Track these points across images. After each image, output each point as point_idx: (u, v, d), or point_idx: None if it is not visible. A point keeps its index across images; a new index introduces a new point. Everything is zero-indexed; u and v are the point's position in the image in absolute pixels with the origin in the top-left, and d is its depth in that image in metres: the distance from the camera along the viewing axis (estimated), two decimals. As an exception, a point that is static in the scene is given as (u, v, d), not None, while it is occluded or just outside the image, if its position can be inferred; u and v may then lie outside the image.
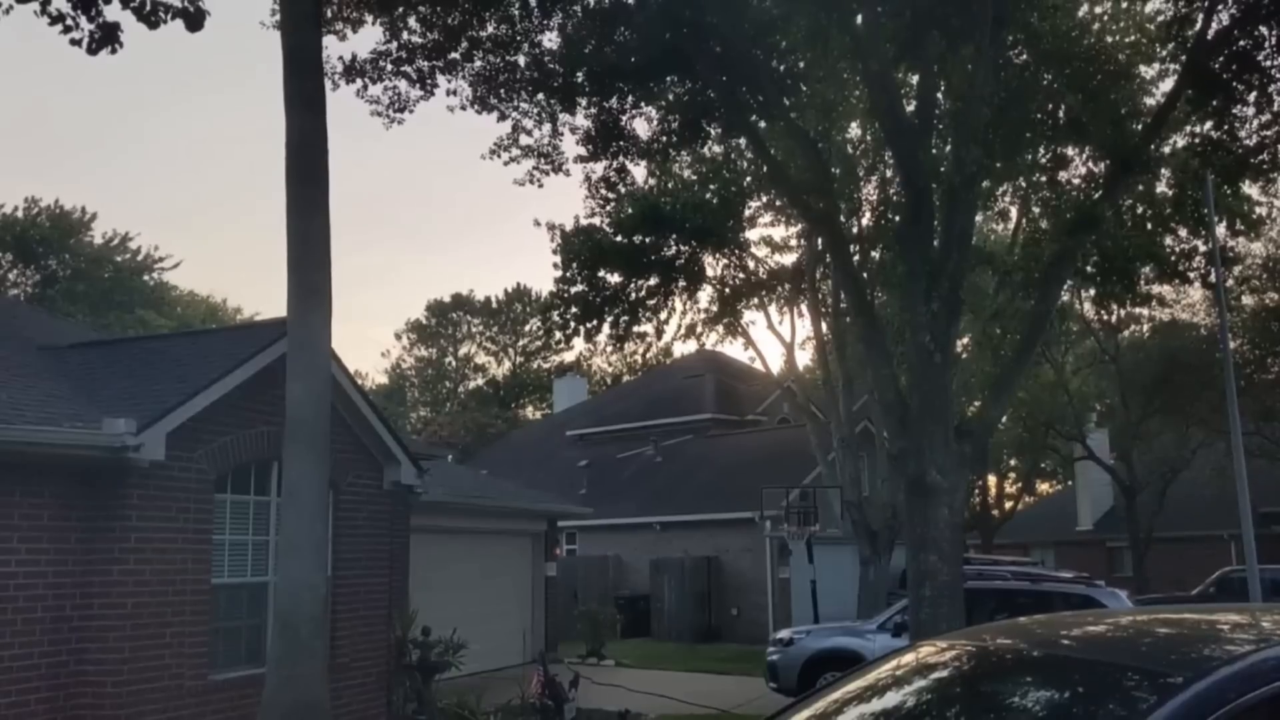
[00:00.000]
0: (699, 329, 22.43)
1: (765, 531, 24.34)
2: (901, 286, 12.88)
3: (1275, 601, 17.34)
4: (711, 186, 19.83)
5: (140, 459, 9.18)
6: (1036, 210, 17.48)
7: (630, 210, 18.90)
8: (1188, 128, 13.49)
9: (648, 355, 23.14)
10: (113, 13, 8.43)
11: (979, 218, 17.66)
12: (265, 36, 15.92)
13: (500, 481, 22.18)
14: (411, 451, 13.24)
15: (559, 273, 20.52)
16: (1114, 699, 2.40)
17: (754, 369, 31.60)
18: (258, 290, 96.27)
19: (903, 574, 13.82)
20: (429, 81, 12.40)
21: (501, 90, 12.73)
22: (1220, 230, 15.39)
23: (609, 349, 21.86)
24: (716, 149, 19.20)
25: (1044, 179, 15.59)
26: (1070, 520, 39.26)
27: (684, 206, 18.80)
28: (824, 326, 22.92)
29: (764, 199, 21.12)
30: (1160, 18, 13.36)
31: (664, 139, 13.50)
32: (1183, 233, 14.96)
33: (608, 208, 18.23)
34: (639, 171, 18.26)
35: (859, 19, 11.51)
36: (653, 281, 20.51)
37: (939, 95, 12.69)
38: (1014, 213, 19.76)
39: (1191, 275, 15.58)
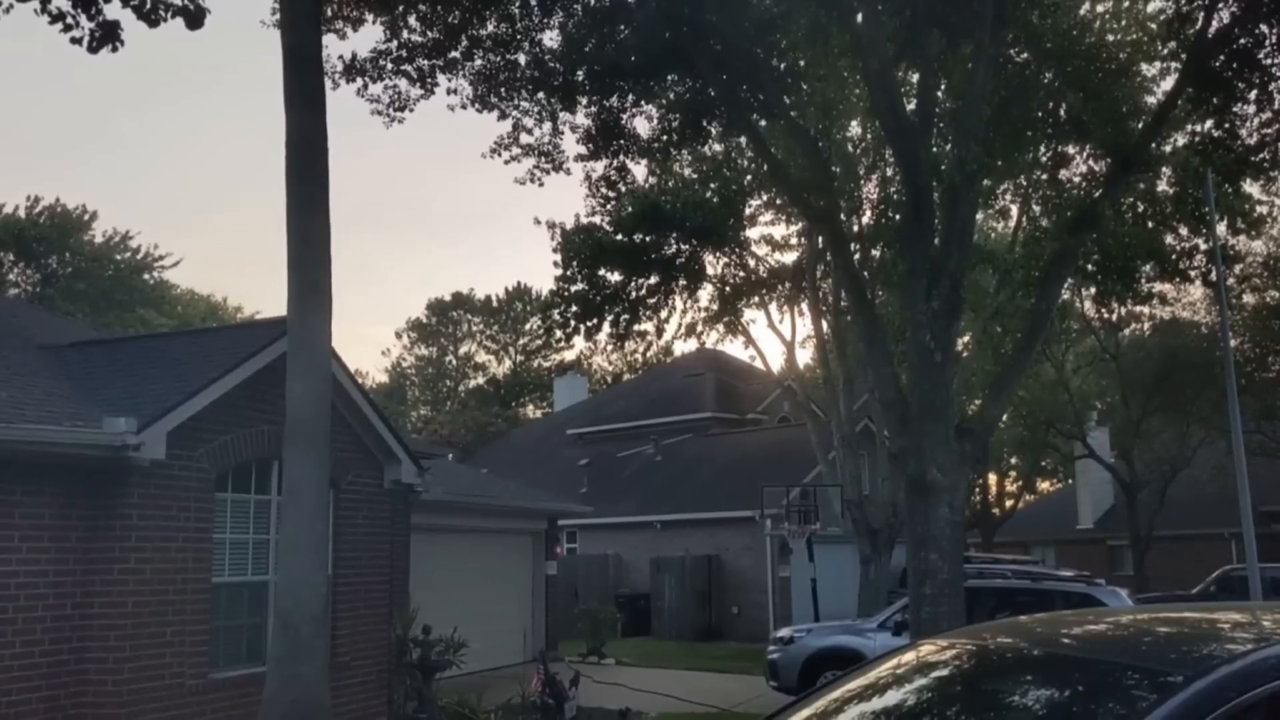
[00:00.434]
0: (699, 328, 22.43)
1: (766, 530, 24.35)
2: (902, 285, 12.87)
3: (1276, 600, 17.34)
4: (712, 185, 19.83)
5: (141, 458, 9.18)
6: (1037, 208, 17.48)
7: (631, 209, 18.90)
8: (1188, 126, 13.48)
9: (648, 354, 23.15)
10: (113, 11, 8.44)
11: (979, 216, 17.65)
12: (266, 34, 16.01)
13: (501, 480, 22.19)
14: (412, 450, 13.25)
15: (559, 271, 20.54)
16: (1114, 698, 2.40)
17: (754, 368, 31.60)
18: (258, 289, 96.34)
19: (903, 572, 13.83)
20: (429, 80, 12.40)
21: (502, 89, 12.72)
22: (1221, 228, 15.39)
23: (609, 348, 21.86)
24: (717, 147, 19.20)
25: (1045, 177, 15.60)
26: (1071, 519, 39.26)
27: (684, 205, 18.80)
28: (824, 325, 22.92)
29: (764, 197, 21.12)
30: (1161, 16, 13.36)
31: (664, 138, 13.50)
32: (1183, 231, 14.97)
33: (608, 206, 18.23)
34: (639, 170, 18.29)
35: (859, 17, 11.50)
36: (653, 280, 20.52)
37: (939, 94, 12.69)
38: (1014, 211, 19.78)
39: (1192, 273, 15.58)
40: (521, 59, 12.52)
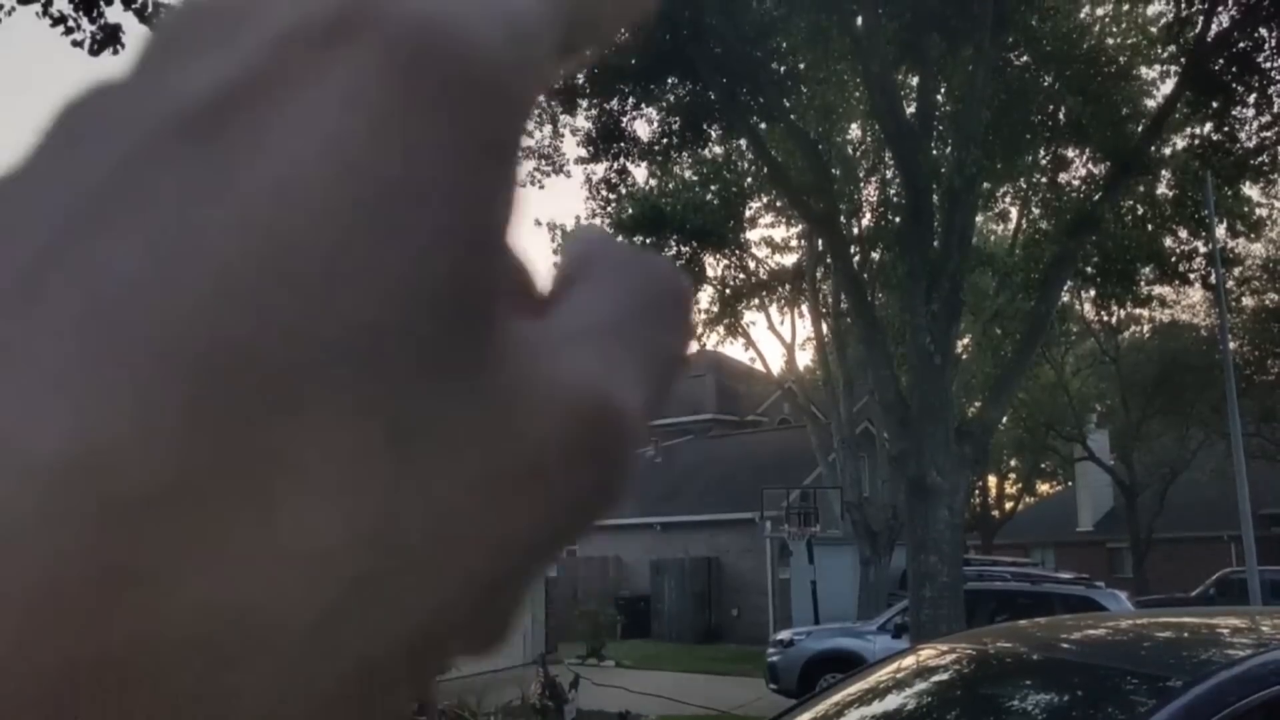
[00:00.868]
0: (699, 329, 22.45)
1: (765, 532, 24.36)
2: (901, 287, 12.89)
3: (1275, 604, 17.36)
4: (712, 187, 19.86)
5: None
6: (1037, 211, 17.51)
7: (631, 211, 18.93)
8: (1188, 129, 13.51)
9: (648, 355, 23.14)
10: (114, 14, 8.47)
11: (979, 219, 17.68)
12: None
13: (501, 482, 22.16)
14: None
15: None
16: (1113, 702, 2.41)
17: (755, 369, 31.62)
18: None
19: (903, 575, 13.84)
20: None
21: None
22: (1220, 231, 15.43)
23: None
24: (717, 150, 19.23)
25: (1044, 180, 15.62)
26: (1070, 521, 39.25)
27: (684, 207, 18.83)
28: (824, 327, 22.94)
29: (765, 200, 21.15)
30: (1160, 20, 13.40)
31: (665, 140, 13.53)
32: (1183, 234, 15.00)
33: (608, 208, 18.26)
34: (640, 172, 18.32)
35: (859, 20, 11.53)
36: (653, 282, 20.51)
37: (939, 97, 12.72)
38: (1014, 214, 19.81)
39: (1192, 276, 15.61)
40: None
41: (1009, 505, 42.32)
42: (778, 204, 20.92)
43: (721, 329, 22.60)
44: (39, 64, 73.37)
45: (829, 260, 18.89)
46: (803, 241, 22.16)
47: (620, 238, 0.23)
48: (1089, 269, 14.76)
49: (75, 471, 0.13)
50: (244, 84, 0.15)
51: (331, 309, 0.14)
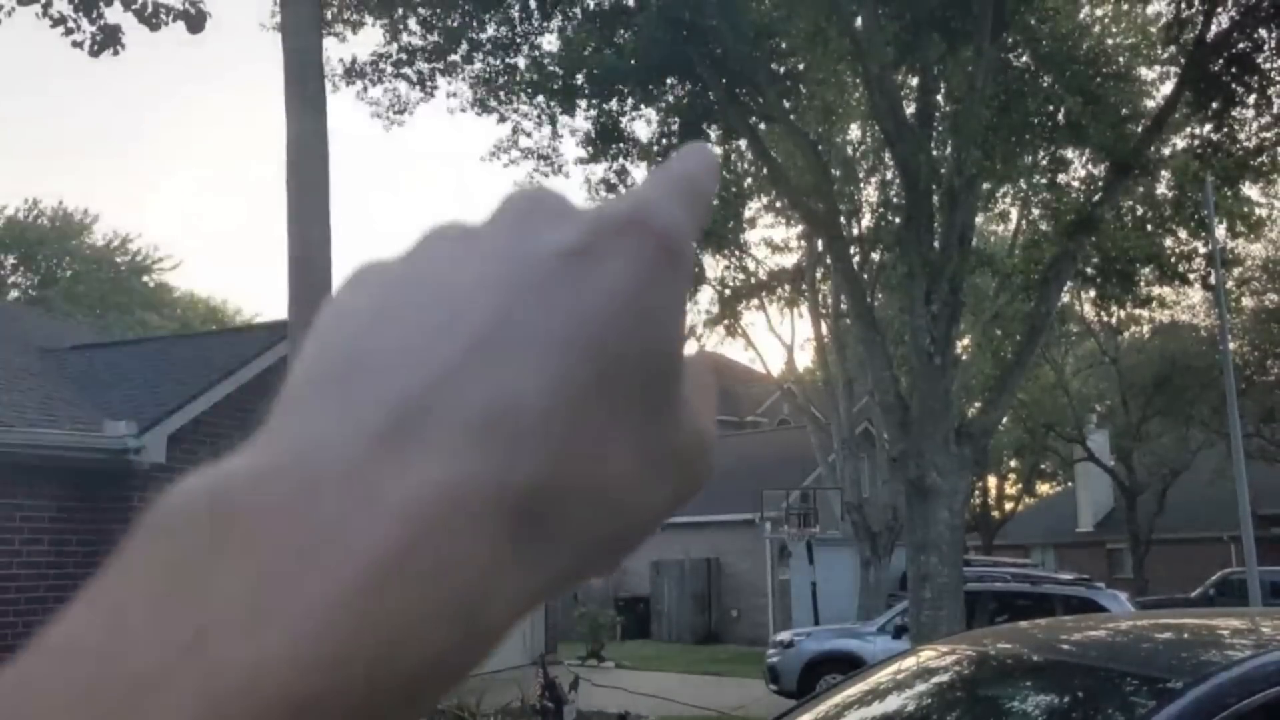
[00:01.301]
0: (699, 330, 22.45)
1: (765, 533, 24.34)
2: (901, 288, 12.89)
3: (1275, 604, 17.35)
4: (712, 188, 19.82)
5: (141, 461, 9.18)
6: (1036, 212, 17.51)
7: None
8: (1187, 130, 13.51)
9: (648, 356, 23.16)
10: (114, 15, 8.47)
11: (979, 219, 17.68)
12: (269, 37, 15.99)
13: (500, 483, 22.15)
14: (412, 453, 13.22)
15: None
16: (1113, 704, 2.41)
17: (754, 370, 31.61)
18: (259, 292, 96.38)
19: (903, 576, 13.83)
20: (429, 83, 12.43)
21: (501, 92, 12.75)
22: (1220, 232, 15.41)
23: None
24: (717, 150, 19.19)
25: (1044, 181, 15.61)
26: (1070, 522, 39.23)
27: (684, 208, 18.80)
28: (824, 328, 22.94)
29: (764, 200, 21.15)
30: (1160, 20, 13.40)
31: (664, 140, 13.52)
32: (1182, 234, 14.98)
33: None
34: (639, 173, 18.30)
35: (859, 21, 11.53)
36: (653, 283, 20.50)
37: (939, 97, 12.72)
38: (1014, 214, 19.81)
39: (1191, 277, 15.59)
40: (521, 62, 12.55)
41: (1009, 506, 42.30)
42: (777, 204, 20.92)
43: (721, 329, 22.61)
44: (38, 64, 73.42)
45: (829, 260, 18.89)
46: (803, 242, 22.16)
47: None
48: (1089, 270, 14.74)
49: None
50: (582, 245, 0.28)
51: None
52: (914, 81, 13.49)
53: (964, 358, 20.26)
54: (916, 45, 11.70)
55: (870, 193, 20.39)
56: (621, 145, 13.37)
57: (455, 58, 12.33)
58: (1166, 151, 14.09)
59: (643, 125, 13.61)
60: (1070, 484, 41.67)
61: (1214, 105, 11.75)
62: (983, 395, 19.61)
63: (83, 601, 0.25)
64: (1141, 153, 12.11)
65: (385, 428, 0.24)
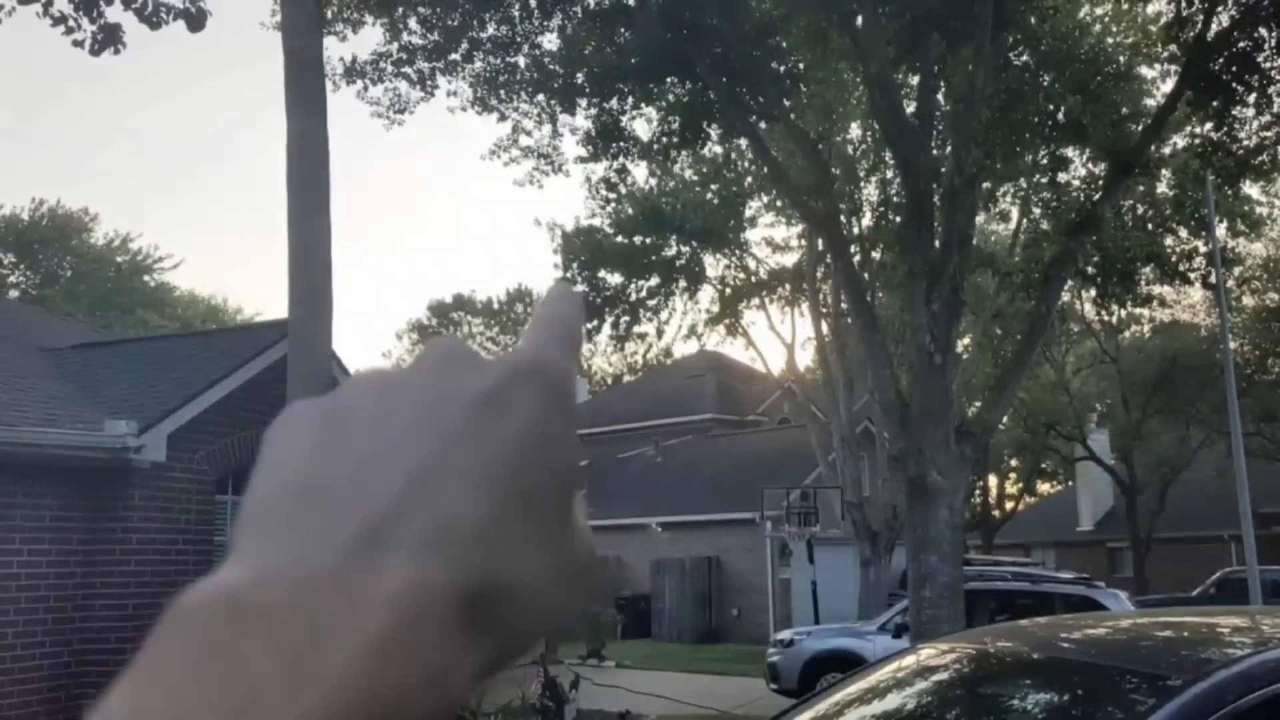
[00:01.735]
0: (700, 329, 22.47)
1: (766, 532, 24.34)
2: (902, 287, 12.89)
3: (1275, 604, 17.35)
4: (712, 187, 19.87)
5: (142, 460, 9.19)
6: (1037, 211, 17.50)
7: (631, 210, 18.93)
8: (1188, 129, 13.51)
9: (648, 355, 23.25)
10: (114, 14, 8.47)
11: (979, 219, 17.68)
12: (269, 35, 16.01)
13: (501, 482, 22.13)
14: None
15: (560, 273, 20.57)
16: (1113, 701, 2.41)
17: (755, 369, 31.63)
18: (259, 290, 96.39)
19: (903, 575, 13.83)
20: (429, 83, 12.43)
21: (502, 91, 12.75)
22: (1220, 231, 15.43)
23: (610, 349, 21.93)
24: (717, 150, 19.23)
25: (1044, 180, 15.61)
26: (1071, 521, 39.23)
27: (685, 207, 18.84)
28: (824, 327, 22.94)
29: (765, 199, 21.15)
30: (1160, 19, 13.39)
31: (665, 140, 13.52)
32: (1183, 233, 15.00)
33: (608, 208, 18.27)
34: (639, 172, 18.33)
35: (859, 20, 11.52)
36: (653, 282, 20.55)
37: (939, 97, 12.71)
38: (1014, 214, 19.79)
39: (1192, 276, 15.60)
40: (521, 61, 12.56)
41: (1009, 505, 42.30)
42: (778, 204, 20.92)
43: (722, 329, 22.63)
44: (38, 64, 73.37)
45: (829, 260, 18.90)
46: (802, 241, 22.16)
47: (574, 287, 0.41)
48: (1089, 269, 14.75)
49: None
50: (494, 392, 0.34)
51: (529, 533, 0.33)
52: (914, 81, 13.49)
53: (964, 357, 20.27)
54: (916, 45, 11.70)
55: (870, 192, 20.38)
56: (622, 144, 13.37)
57: (455, 57, 12.33)
58: (1167, 150, 14.09)
59: (643, 124, 13.60)
60: (1070, 483, 41.67)
61: (1214, 104, 11.75)
62: (983, 394, 19.61)
63: (128, 680, 0.29)
64: (1142, 152, 12.11)
65: (357, 541, 0.30)
